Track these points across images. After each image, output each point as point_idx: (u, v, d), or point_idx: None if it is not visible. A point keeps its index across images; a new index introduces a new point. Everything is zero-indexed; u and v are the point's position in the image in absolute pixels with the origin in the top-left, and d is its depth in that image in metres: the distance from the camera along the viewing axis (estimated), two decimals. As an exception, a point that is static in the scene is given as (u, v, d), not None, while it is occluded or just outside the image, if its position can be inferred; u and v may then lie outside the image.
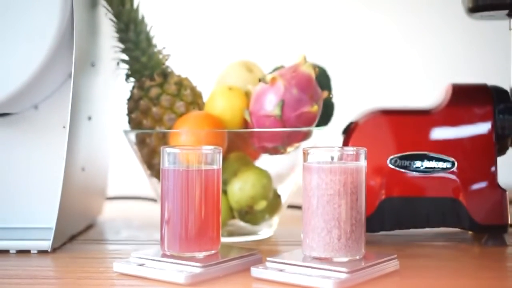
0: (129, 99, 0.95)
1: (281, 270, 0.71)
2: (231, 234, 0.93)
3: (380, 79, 1.48)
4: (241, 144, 0.92)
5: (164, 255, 0.74)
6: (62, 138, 0.85)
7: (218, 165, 0.76)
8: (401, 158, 0.87)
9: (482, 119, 0.87)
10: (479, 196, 0.86)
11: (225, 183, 0.91)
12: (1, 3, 0.83)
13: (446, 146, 0.87)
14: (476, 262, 0.81)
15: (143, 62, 0.94)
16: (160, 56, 0.96)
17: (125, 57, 0.95)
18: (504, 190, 0.86)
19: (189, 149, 0.76)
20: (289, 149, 0.91)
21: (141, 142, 0.93)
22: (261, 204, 0.91)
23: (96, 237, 0.97)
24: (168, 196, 0.75)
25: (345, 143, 0.89)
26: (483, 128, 0.87)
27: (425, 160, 0.87)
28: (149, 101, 0.92)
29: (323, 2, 1.50)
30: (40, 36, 0.82)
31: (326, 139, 0.95)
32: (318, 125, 0.92)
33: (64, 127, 0.88)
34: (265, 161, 0.95)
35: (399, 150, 0.87)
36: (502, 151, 0.90)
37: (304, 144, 0.91)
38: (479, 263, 0.81)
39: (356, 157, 0.73)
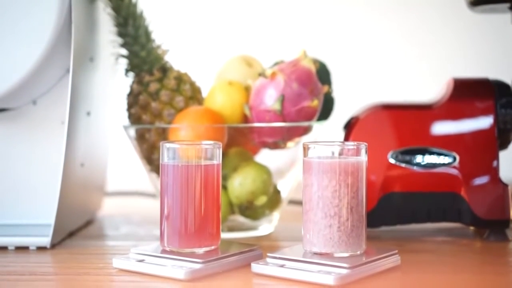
0: (128, 94, 0.95)
1: (281, 266, 0.70)
2: (231, 229, 0.92)
3: (381, 73, 1.48)
4: (241, 139, 0.92)
5: (163, 251, 0.74)
6: (60, 134, 0.85)
7: (218, 160, 0.75)
8: (402, 153, 0.87)
9: (484, 113, 0.87)
10: (481, 191, 0.86)
11: (225, 178, 0.91)
12: (-1, -2, 0.82)
13: (448, 141, 0.87)
14: (477, 258, 0.81)
15: (142, 57, 0.94)
16: (159, 51, 0.95)
17: (124, 51, 0.95)
18: (506, 185, 0.86)
19: (189, 144, 0.76)
20: (289, 144, 0.91)
21: (140, 137, 0.93)
22: (261, 200, 0.90)
23: (95, 233, 0.96)
24: (168, 192, 0.74)
25: (346, 138, 0.89)
26: (485, 122, 0.87)
27: (426, 155, 0.87)
28: (149, 96, 0.92)
29: (323, -3, 1.50)
30: (38, 31, 0.82)
31: (327, 134, 0.95)
32: (318, 119, 0.91)
33: (62, 122, 0.88)
34: (265, 156, 0.94)
35: (400, 145, 0.87)
36: (504, 145, 0.89)
37: (304, 139, 0.90)
38: (480, 258, 0.81)
39: (357, 152, 0.73)
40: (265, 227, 0.94)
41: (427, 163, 0.87)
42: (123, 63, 0.96)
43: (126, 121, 0.95)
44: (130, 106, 0.94)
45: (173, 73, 0.94)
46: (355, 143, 0.73)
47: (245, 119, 0.91)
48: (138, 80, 0.94)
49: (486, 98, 0.88)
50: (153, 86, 0.92)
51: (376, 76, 1.48)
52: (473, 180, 0.86)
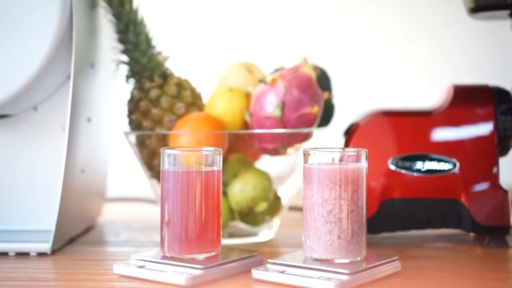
0: (129, 101, 0.95)
1: (282, 272, 0.70)
2: (231, 235, 0.92)
3: (381, 80, 1.48)
4: (241, 145, 0.92)
5: (164, 257, 0.74)
6: (61, 140, 0.85)
7: (218, 166, 0.76)
8: (402, 159, 0.87)
9: (484, 120, 0.87)
10: (481, 198, 0.86)
11: (226, 184, 0.91)
12: (0, 4, 0.82)
13: (448, 147, 0.87)
14: (477, 264, 0.81)
15: (143, 63, 0.94)
16: (160, 58, 0.95)
17: (124, 58, 0.95)
18: (506, 191, 0.86)
19: (189, 150, 0.76)
20: (289, 150, 0.91)
21: (141, 144, 0.93)
22: (262, 206, 0.90)
23: (95, 239, 0.96)
24: (168, 198, 0.74)
25: (346, 144, 0.89)
26: (484, 129, 0.87)
27: (427, 161, 0.87)
28: (149, 103, 0.92)
29: (324, 3, 1.50)
30: (39, 37, 0.82)
31: (327, 140, 0.95)
32: (318, 126, 0.92)
33: (63, 128, 0.88)
34: (265, 163, 0.95)
35: (400, 151, 0.87)
36: (504, 152, 0.89)
37: (305, 145, 0.90)
38: (480, 265, 0.80)
39: (357, 158, 0.73)
40: (266, 233, 0.94)
41: (427, 170, 0.87)
42: (124, 69, 0.96)
43: (127, 127, 0.95)
44: (130, 112, 0.94)
45: (174, 79, 0.94)
46: (356, 149, 0.73)
47: (246, 125, 0.91)
48: (139, 87, 0.94)
49: (486, 104, 0.88)
50: (154, 93, 0.92)
51: (376, 83, 1.48)
52: (473, 186, 0.86)
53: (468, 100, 0.89)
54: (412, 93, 1.45)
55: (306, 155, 0.73)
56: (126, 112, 0.95)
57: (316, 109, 0.88)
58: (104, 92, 1.01)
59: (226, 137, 0.89)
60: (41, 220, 0.89)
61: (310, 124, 0.89)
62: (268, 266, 0.72)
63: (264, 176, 0.91)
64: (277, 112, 0.87)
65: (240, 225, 0.94)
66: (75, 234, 0.94)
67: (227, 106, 0.90)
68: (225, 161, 0.91)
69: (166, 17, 1.50)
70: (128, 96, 0.96)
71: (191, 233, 0.73)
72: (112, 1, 0.92)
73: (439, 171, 0.86)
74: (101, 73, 0.97)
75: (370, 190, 0.86)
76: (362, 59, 1.49)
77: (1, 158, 0.90)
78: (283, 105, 0.87)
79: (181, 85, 0.94)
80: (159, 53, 0.96)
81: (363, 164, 0.73)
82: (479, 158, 0.87)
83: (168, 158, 0.75)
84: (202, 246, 0.74)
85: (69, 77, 0.86)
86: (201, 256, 0.74)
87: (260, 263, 0.75)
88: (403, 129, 0.88)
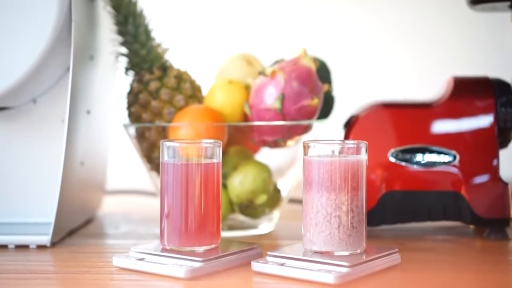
0: (128, 93, 0.95)
1: (281, 264, 0.70)
2: (231, 228, 0.92)
3: (381, 72, 1.48)
4: (241, 137, 0.92)
5: (164, 250, 0.74)
6: (61, 132, 0.85)
7: (218, 158, 0.75)
8: (402, 151, 0.87)
9: (484, 112, 0.87)
10: (481, 190, 0.86)
11: (225, 177, 0.91)
12: (-1, -4, 0.82)
13: (448, 140, 0.87)
14: (477, 256, 0.81)
15: (142, 55, 0.94)
16: (159, 50, 0.95)
17: (124, 50, 0.95)
18: (506, 184, 0.86)
19: (189, 142, 0.76)
20: (289, 142, 0.91)
21: (140, 136, 0.93)
22: (261, 198, 0.90)
23: (95, 231, 0.96)
24: (168, 190, 0.74)
25: (346, 136, 0.89)
26: (485, 121, 0.87)
27: (427, 154, 0.87)
28: (149, 95, 0.92)
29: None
30: (38, 29, 0.82)
31: (327, 133, 0.95)
32: (318, 118, 0.91)
33: (62, 121, 0.88)
34: (265, 155, 0.94)
35: (400, 143, 0.87)
36: (504, 144, 0.89)
37: (305, 137, 0.90)
38: (480, 257, 0.81)
39: (357, 151, 0.72)
40: (265, 225, 0.94)
41: (427, 162, 0.87)
42: (123, 61, 0.96)
43: (126, 120, 0.95)
44: (130, 105, 0.94)
45: (173, 71, 0.94)
46: (355, 141, 0.73)
47: (245, 117, 0.91)
48: (138, 79, 0.94)
49: (486, 96, 0.88)
50: (153, 85, 0.92)
51: (376, 75, 1.48)
52: (473, 178, 0.86)
53: (468, 92, 0.89)
54: (412, 85, 1.45)
55: (306, 147, 0.73)
56: (125, 104, 0.95)
57: (316, 101, 0.87)
58: (103, 84, 1.01)
59: (226, 129, 0.89)
60: (40, 213, 0.89)
61: (310, 116, 0.88)
62: (268, 258, 0.72)
63: (264, 168, 0.91)
64: (276, 104, 0.86)
65: (240, 217, 0.94)
66: (75, 226, 0.94)
67: (226, 98, 0.90)
68: (224, 153, 0.91)
69: (166, 8, 1.49)
70: (128, 88, 0.95)
71: (190, 226, 0.73)
72: (111, -8, 0.92)
73: (439, 163, 0.86)
74: (101, 65, 0.96)
75: (370, 183, 0.85)
76: (362, 51, 1.49)
77: (1, 151, 0.90)
78: (282, 97, 0.86)
79: (181, 77, 0.94)
80: (159, 45, 0.96)
81: (363, 156, 0.73)
82: (479, 150, 0.86)
83: (167, 151, 0.75)
84: (202, 238, 0.74)
85: (68, 69, 0.85)
86: (200, 249, 0.74)
87: (260, 256, 0.75)
88: (403, 121, 0.88)
